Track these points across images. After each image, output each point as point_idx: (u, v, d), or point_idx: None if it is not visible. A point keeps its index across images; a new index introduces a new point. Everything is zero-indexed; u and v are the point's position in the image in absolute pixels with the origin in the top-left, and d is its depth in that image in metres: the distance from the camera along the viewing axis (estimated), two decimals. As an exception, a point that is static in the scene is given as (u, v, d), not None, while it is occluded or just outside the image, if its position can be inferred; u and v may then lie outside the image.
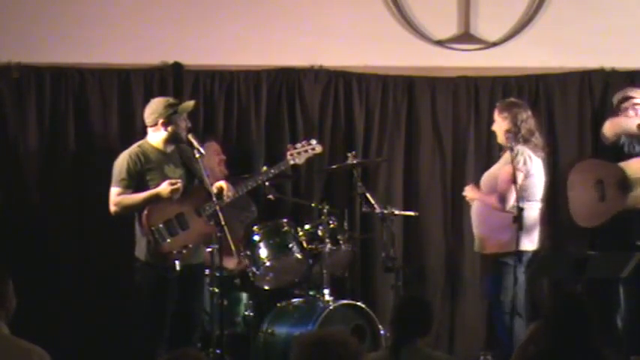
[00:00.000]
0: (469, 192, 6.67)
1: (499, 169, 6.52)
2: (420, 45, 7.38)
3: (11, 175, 6.95)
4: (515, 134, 6.45)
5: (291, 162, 6.31)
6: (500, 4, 7.46)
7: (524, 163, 6.41)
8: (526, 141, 6.48)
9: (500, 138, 6.56)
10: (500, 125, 6.56)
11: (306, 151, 6.34)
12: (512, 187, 6.30)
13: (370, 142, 7.31)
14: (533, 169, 6.45)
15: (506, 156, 6.44)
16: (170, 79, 7.09)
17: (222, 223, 5.69)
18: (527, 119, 6.55)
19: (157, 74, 7.10)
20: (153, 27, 7.14)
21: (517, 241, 6.21)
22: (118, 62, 7.09)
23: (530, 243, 6.38)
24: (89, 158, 7.00)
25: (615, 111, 6.76)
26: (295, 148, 6.32)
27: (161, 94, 6.86)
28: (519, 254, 6.30)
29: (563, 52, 7.45)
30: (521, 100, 6.81)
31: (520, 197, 6.26)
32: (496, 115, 6.61)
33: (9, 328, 3.64)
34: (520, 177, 6.34)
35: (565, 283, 6.37)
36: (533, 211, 6.43)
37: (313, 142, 6.42)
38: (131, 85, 7.07)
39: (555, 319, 4.06)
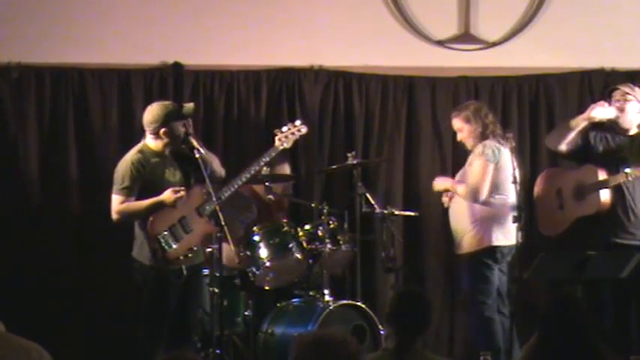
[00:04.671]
0: (439, 183, 6.74)
1: (469, 164, 6.60)
2: (420, 45, 7.38)
3: (11, 175, 6.95)
4: (485, 131, 6.55)
5: (281, 147, 6.29)
6: (500, 4, 7.47)
7: (494, 153, 6.45)
8: (493, 134, 6.56)
9: (472, 143, 6.59)
10: (470, 131, 6.59)
11: (292, 133, 6.33)
12: (486, 180, 6.41)
13: (370, 142, 7.31)
14: (502, 161, 6.48)
15: (475, 152, 6.55)
16: (170, 79, 7.09)
17: (222, 223, 5.69)
18: (487, 113, 6.66)
19: (157, 74, 7.10)
20: (153, 27, 7.14)
21: (517, 240, 6.23)
22: (118, 62, 7.09)
23: (503, 237, 6.41)
24: (89, 158, 7.00)
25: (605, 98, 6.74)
26: (282, 132, 6.32)
27: (161, 94, 6.87)
28: (494, 250, 6.41)
29: (563, 52, 7.45)
30: (468, 102, 6.89)
31: (493, 190, 6.42)
32: (461, 124, 6.62)
33: (7, 328, 3.63)
34: (491, 168, 6.43)
35: (564, 284, 6.38)
36: (505, 203, 6.45)
37: (297, 122, 6.41)
38: (131, 85, 7.07)
39: (550, 323, 4.03)
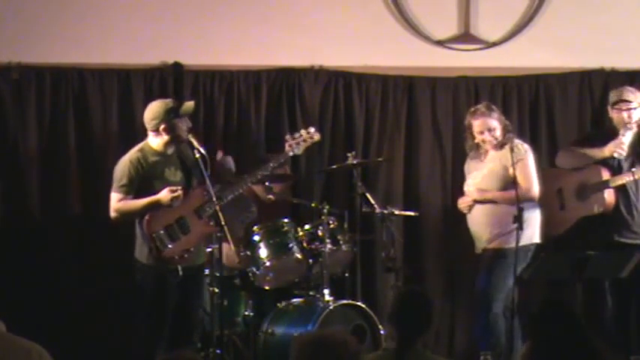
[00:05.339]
0: (478, 195, 6.61)
1: (515, 163, 6.44)
2: (420, 45, 7.38)
3: (11, 175, 6.95)
4: (509, 127, 6.62)
5: (291, 153, 6.28)
6: (500, 4, 7.47)
7: (527, 151, 6.51)
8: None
9: (501, 141, 6.58)
10: (501, 130, 6.59)
11: (304, 140, 6.31)
12: (536, 177, 6.44)
13: (370, 142, 7.31)
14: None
15: (505, 153, 6.48)
16: (170, 79, 7.09)
17: (223, 223, 5.69)
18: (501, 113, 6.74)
19: (157, 74, 7.11)
20: (153, 27, 7.15)
21: (517, 240, 6.23)
22: (118, 62, 7.09)
23: (533, 236, 6.42)
24: (89, 158, 7.01)
25: (609, 110, 6.76)
26: (294, 139, 6.29)
27: (161, 94, 6.87)
28: (529, 248, 6.39)
29: (563, 52, 7.45)
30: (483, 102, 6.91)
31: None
32: (497, 123, 6.60)
33: (8, 327, 3.64)
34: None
35: (564, 284, 6.38)
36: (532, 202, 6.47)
37: (312, 130, 6.38)
38: (131, 85, 7.07)
39: (539, 326, 4.01)
